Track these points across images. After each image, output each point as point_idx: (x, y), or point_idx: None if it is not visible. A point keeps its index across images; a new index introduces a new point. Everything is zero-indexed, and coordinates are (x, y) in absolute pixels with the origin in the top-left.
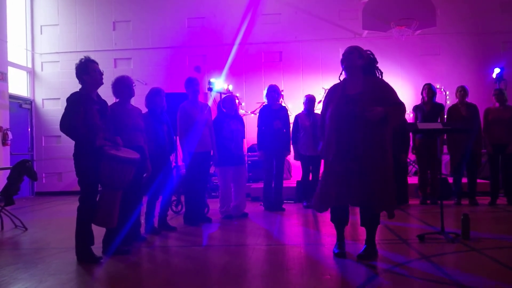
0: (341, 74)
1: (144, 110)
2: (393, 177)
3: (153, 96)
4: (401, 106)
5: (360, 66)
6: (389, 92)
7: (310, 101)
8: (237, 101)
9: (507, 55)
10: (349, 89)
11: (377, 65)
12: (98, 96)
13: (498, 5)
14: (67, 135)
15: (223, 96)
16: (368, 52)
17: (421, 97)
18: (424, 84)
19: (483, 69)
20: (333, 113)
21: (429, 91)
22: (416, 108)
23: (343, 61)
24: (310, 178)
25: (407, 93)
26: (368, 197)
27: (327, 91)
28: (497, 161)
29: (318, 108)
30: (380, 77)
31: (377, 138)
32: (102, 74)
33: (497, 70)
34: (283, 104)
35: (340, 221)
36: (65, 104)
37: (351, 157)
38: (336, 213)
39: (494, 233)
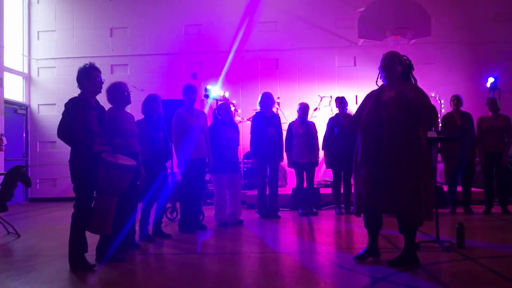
0: (377, 79)
1: (141, 116)
2: (426, 184)
3: (149, 102)
4: (434, 110)
5: (399, 73)
6: (421, 97)
7: (303, 109)
8: (232, 108)
9: (501, 64)
10: (384, 95)
11: (413, 71)
12: (97, 102)
13: (492, 15)
14: (64, 141)
15: (219, 103)
16: (405, 57)
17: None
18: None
19: (477, 78)
20: (365, 119)
21: None
22: None
23: (384, 69)
24: (305, 185)
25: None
26: (395, 203)
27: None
28: (491, 170)
29: (314, 116)
30: (414, 83)
31: (404, 144)
32: (102, 83)
33: (491, 80)
34: (279, 111)
35: (371, 227)
36: (61, 109)
37: (377, 162)
38: (367, 218)
39: (489, 242)
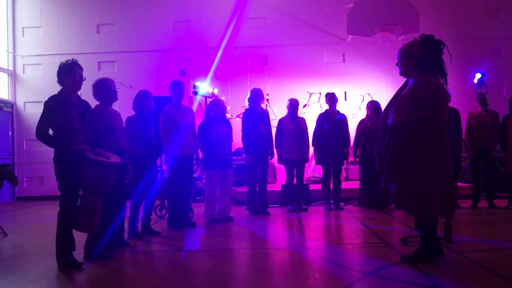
0: None
1: (130, 113)
2: (435, 182)
3: (140, 98)
4: (429, 109)
5: (413, 66)
6: (425, 92)
7: (293, 105)
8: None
9: (488, 60)
10: (405, 89)
11: (437, 54)
12: (79, 98)
13: (480, 11)
14: (43, 142)
15: (209, 100)
16: (421, 36)
17: None
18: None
19: (464, 74)
20: (382, 113)
21: None
22: None
23: (396, 64)
24: (295, 181)
25: (391, 97)
26: (395, 200)
27: None
28: (479, 164)
29: (303, 112)
30: (437, 71)
31: (407, 141)
32: (83, 80)
33: (478, 75)
34: (268, 108)
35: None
36: None
37: (380, 160)
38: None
39: (476, 236)
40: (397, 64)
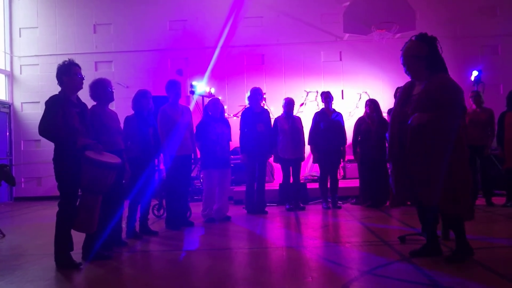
0: None
1: (129, 112)
2: (454, 177)
3: (140, 98)
4: (448, 109)
5: (424, 68)
6: (444, 93)
7: (288, 104)
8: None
9: (485, 58)
10: (415, 89)
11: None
12: (78, 99)
13: (477, 9)
14: (46, 137)
15: (206, 99)
16: (417, 39)
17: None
18: (396, 87)
19: (461, 72)
20: (392, 114)
21: None
22: (390, 111)
23: (405, 71)
24: (291, 180)
25: (388, 95)
26: (423, 196)
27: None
28: (475, 162)
29: (300, 111)
30: (442, 67)
31: (425, 140)
32: (83, 79)
33: (475, 73)
34: (265, 107)
35: (420, 220)
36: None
37: (401, 158)
38: (418, 211)
39: (474, 234)
40: (406, 72)
